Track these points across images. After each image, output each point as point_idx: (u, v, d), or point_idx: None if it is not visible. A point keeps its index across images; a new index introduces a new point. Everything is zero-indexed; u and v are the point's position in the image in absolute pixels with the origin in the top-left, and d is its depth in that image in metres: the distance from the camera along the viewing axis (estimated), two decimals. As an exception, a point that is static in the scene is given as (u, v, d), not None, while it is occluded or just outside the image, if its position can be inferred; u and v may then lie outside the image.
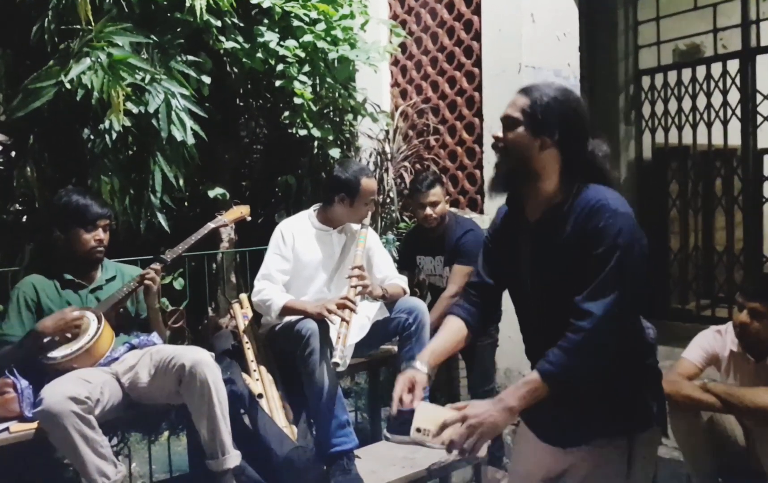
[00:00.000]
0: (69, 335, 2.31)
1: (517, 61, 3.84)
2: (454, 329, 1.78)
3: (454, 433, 1.47)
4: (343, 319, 2.47)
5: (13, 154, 3.30)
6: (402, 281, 2.95)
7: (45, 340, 2.28)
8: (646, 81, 5.00)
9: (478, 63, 4.12)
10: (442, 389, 3.90)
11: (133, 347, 2.43)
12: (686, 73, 4.76)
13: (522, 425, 1.78)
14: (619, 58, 5.02)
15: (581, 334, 1.46)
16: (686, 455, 2.70)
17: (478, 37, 4.11)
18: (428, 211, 3.30)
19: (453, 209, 4.12)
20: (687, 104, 4.75)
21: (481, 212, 4.06)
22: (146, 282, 2.49)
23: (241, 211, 2.93)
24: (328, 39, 3.79)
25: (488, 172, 4.05)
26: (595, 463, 1.56)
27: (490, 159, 4.04)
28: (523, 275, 1.64)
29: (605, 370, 1.50)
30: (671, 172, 4.98)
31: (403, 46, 4.52)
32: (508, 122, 1.58)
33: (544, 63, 3.91)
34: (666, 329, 4.19)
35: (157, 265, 2.53)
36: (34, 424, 2.13)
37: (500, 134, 1.60)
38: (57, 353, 2.29)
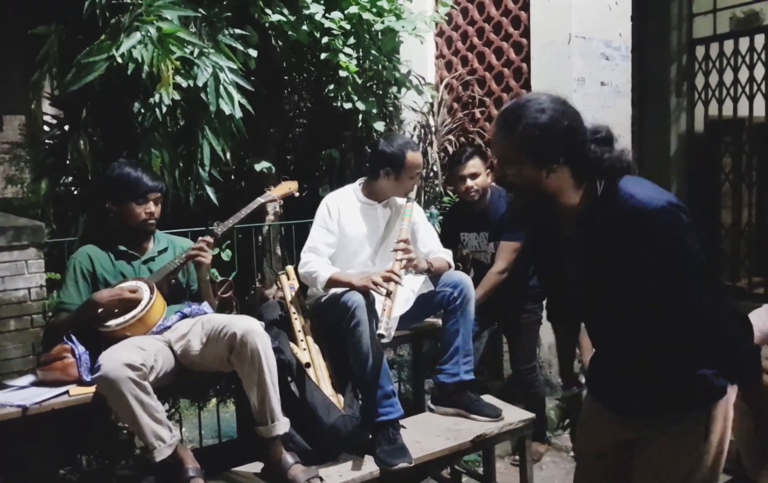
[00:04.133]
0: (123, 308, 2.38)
1: (567, 30, 3.75)
2: (565, 333, 1.93)
3: None
4: (388, 292, 2.48)
5: (66, 127, 3.37)
6: (447, 255, 2.94)
7: (100, 310, 2.36)
8: (700, 51, 4.84)
9: (526, 33, 4.04)
10: (486, 364, 3.90)
11: (184, 316, 2.49)
12: (743, 42, 4.58)
13: (589, 396, 1.77)
14: (672, 26, 4.87)
15: (718, 336, 1.46)
16: (737, 435, 2.65)
17: (526, 6, 4.03)
18: (468, 182, 3.26)
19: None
20: (744, 75, 4.58)
21: (527, 186, 4.01)
22: (198, 259, 2.55)
23: (289, 186, 2.96)
24: (374, 10, 3.75)
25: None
26: (671, 434, 1.55)
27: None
28: (577, 284, 1.64)
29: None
30: (724, 145, 4.83)
31: (448, 17, 4.46)
32: (505, 163, 1.52)
33: (594, 33, 3.82)
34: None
35: (208, 238, 2.58)
36: (92, 389, 2.21)
37: (498, 173, 1.56)
38: (111, 322, 2.36)
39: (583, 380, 1.89)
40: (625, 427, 1.63)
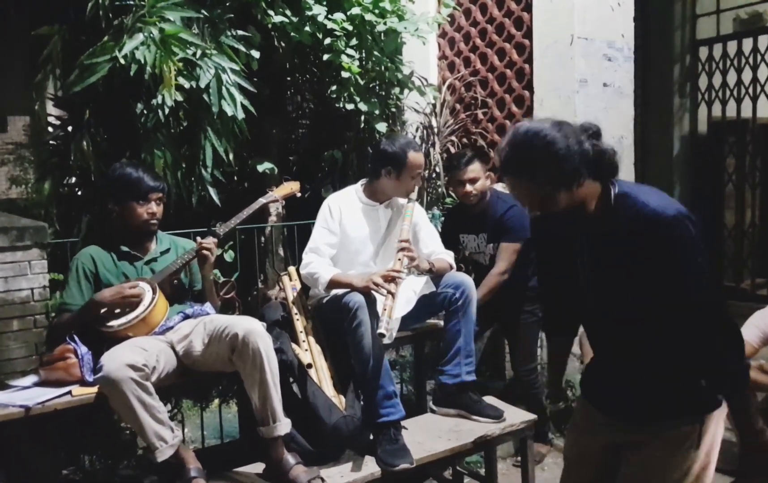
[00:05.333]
0: (126, 307, 2.39)
1: (569, 32, 3.74)
2: (558, 349, 1.98)
3: None
4: (389, 292, 2.48)
5: (69, 128, 3.39)
6: (449, 256, 2.94)
7: (102, 310, 2.36)
8: (703, 52, 4.82)
9: (528, 34, 4.03)
10: (487, 365, 3.90)
11: (187, 317, 2.49)
12: (747, 43, 4.56)
13: (582, 400, 1.77)
14: (675, 27, 4.85)
15: (708, 347, 1.49)
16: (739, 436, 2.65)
17: (529, 7, 4.02)
18: (468, 187, 3.27)
19: (499, 184, 4.09)
20: (747, 76, 4.57)
21: (529, 187, 4.01)
22: (203, 252, 2.55)
23: (291, 187, 2.96)
24: (376, 11, 3.76)
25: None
26: (664, 440, 1.56)
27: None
28: (582, 287, 1.65)
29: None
30: (728, 146, 4.81)
31: (451, 18, 4.46)
32: (541, 203, 1.55)
33: (597, 34, 3.81)
34: (719, 308, 4.07)
35: (211, 239, 2.58)
36: (94, 389, 2.22)
37: (535, 212, 1.59)
38: (114, 322, 2.36)
39: (570, 395, 1.92)
40: (617, 430, 1.63)
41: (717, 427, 1.58)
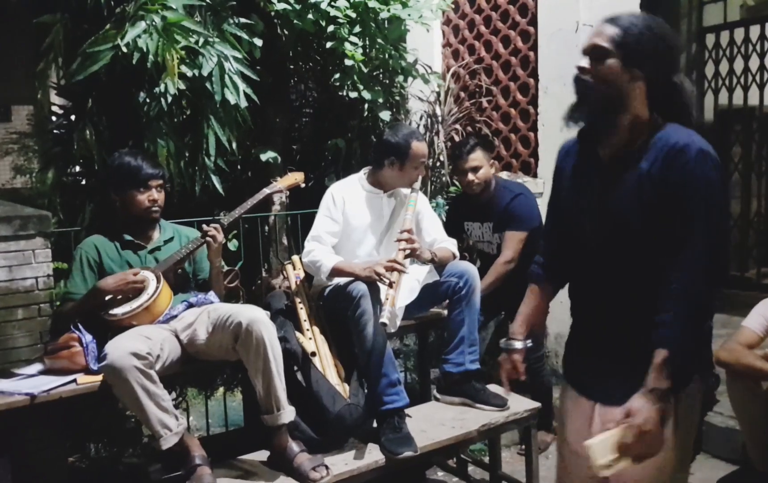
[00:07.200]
0: (129, 295, 2.39)
1: (575, 19, 3.72)
2: (536, 294, 1.84)
3: (641, 449, 1.44)
4: (390, 282, 2.48)
5: (72, 117, 3.38)
6: (452, 245, 2.93)
7: (106, 297, 2.37)
8: (710, 39, 4.79)
9: (533, 21, 4.01)
10: (492, 354, 3.90)
11: (191, 305, 2.49)
12: (754, 30, 4.53)
13: (566, 386, 1.77)
14: (682, 14, 4.82)
15: (694, 294, 1.42)
16: (743, 425, 2.65)
17: (533, -6, 4.00)
18: (470, 176, 3.25)
19: (503, 173, 4.08)
20: (754, 63, 4.54)
21: (535, 176, 3.99)
22: (207, 239, 2.55)
23: (296, 177, 2.95)
24: (380, -2, 3.74)
25: (543, 134, 3.97)
26: None
27: (544, 120, 3.95)
28: (589, 214, 1.60)
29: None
30: (734, 135, 4.78)
31: (455, 5, 4.43)
32: (596, 53, 1.52)
33: (603, 21, 3.78)
34: (724, 297, 4.06)
35: (217, 225, 2.58)
36: (99, 377, 2.22)
37: (586, 64, 1.53)
38: (118, 310, 2.36)
39: (530, 343, 1.84)
40: (601, 416, 1.60)
41: (693, 401, 1.57)
